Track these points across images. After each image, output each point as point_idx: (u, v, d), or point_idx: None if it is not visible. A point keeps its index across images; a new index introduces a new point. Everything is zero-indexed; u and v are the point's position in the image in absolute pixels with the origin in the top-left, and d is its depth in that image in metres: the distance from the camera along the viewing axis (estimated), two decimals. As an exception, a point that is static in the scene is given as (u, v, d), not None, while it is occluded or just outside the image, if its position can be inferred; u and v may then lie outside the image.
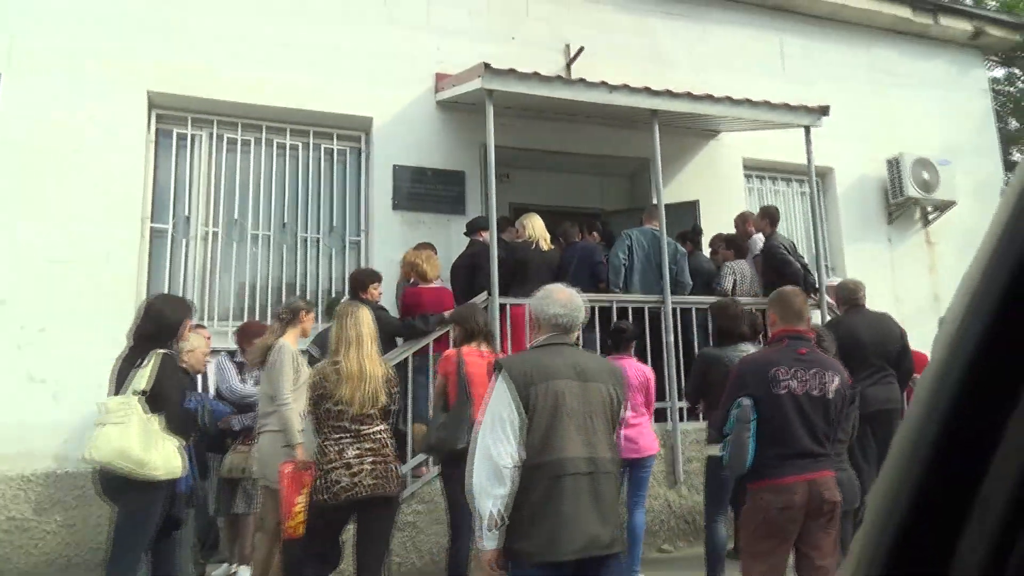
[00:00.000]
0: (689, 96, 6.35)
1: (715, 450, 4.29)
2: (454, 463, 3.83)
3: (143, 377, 3.51)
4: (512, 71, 6.02)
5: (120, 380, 3.60)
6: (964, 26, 9.44)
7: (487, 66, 5.84)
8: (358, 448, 3.52)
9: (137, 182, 6.25)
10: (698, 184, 7.96)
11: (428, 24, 7.31)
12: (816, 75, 8.59)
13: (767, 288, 6.60)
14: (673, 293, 5.98)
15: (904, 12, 9.13)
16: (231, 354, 5.61)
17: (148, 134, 6.38)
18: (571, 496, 2.47)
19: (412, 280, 5.61)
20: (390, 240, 6.85)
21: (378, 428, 3.59)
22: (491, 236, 5.64)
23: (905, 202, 8.56)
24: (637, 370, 4.81)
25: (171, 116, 6.56)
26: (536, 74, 6.15)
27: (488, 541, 2.51)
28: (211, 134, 6.72)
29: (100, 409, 3.54)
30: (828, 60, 8.83)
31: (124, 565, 3.42)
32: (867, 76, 8.97)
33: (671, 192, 7.92)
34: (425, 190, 7.00)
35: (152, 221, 6.37)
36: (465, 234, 6.42)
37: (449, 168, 7.14)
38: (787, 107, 6.75)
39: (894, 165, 8.48)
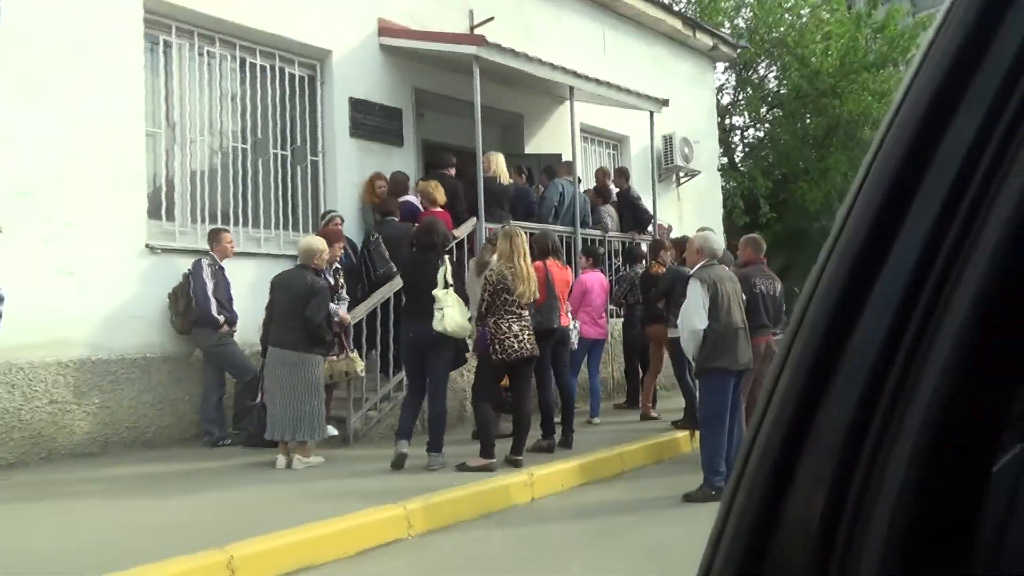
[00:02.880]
0: (596, 81, 8.50)
1: (674, 332, 6.77)
2: (548, 337, 5.72)
3: (447, 274, 4.83)
4: (487, 40, 7.52)
5: (417, 274, 4.95)
6: (707, 40, 12.92)
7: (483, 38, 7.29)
8: (519, 325, 5.22)
9: (137, 86, 6.47)
10: (553, 139, 10.18)
11: (372, -29, 8.26)
12: (625, 62, 11.24)
13: (624, 224, 9.21)
14: (581, 227, 8.23)
15: (677, 24, 12.26)
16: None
17: (142, 39, 6.56)
18: (738, 340, 4.70)
19: (423, 204, 6.99)
20: (347, 163, 7.91)
21: (528, 313, 5.32)
22: (478, 172, 7.23)
23: (671, 168, 11.80)
24: (602, 279, 7.03)
25: (159, 23, 6.75)
26: (478, 37, 7.71)
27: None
28: (192, 45, 7.04)
29: (437, 298, 4.89)
30: (632, 51, 11.56)
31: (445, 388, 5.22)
32: (652, 66, 11.90)
33: (537, 143, 10.08)
34: (373, 122, 8.13)
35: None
36: (430, 165, 7.83)
37: (391, 105, 8.33)
38: (640, 94, 9.28)
39: (668, 140, 11.62)
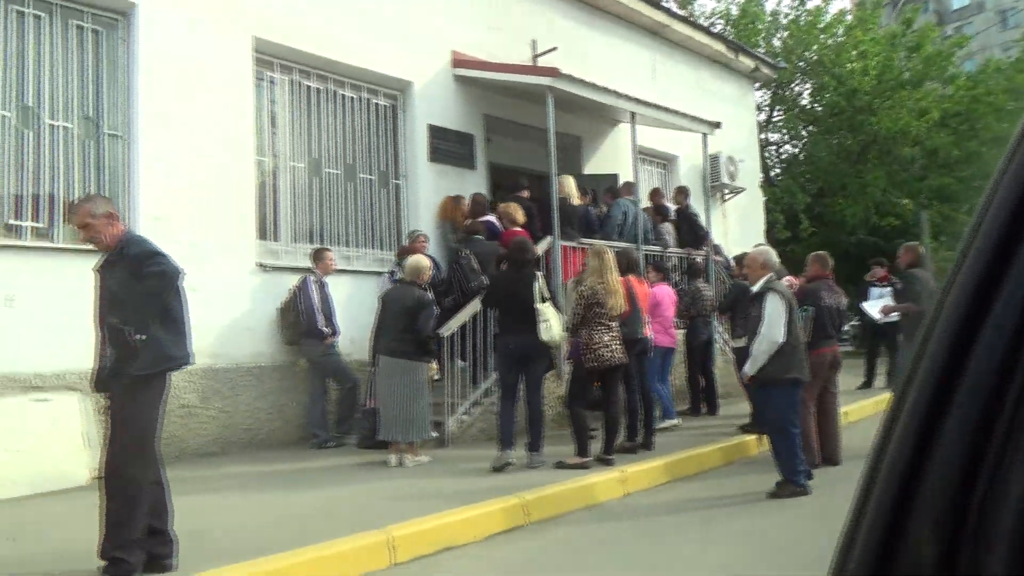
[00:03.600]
0: (656, 107, 9.05)
1: (740, 343, 7.27)
2: (633, 346, 6.24)
3: (543, 288, 5.36)
4: (556, 70, 8.10)
5: (514, 289, 5.52)
6: (749, 63, 13.46)
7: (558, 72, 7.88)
8: (610, 335, 5.76)
9: (249, 119, 7.12)
10: (608, 160, 10.75)
11: (444, 6, 8.87)
12: (668, 85, 11.78)
13: (681, 240, 9.73)
14: (645, 244, 8.76)
15: (721, 47, 12.81)
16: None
17: (252, 76, 7.21)
18: (803, 353, 5.21)
19: (504, 224, 7.57)
20: (426, 185, 8.52)
21: (617, 324, 5.85)
22: (553, 193, 7.80)
23: (717, 185, 12.32)
24: (670, 292, 7.56)
25: (266, 61, 7.40)
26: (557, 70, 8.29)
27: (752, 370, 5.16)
28: (292, 80, 7.69)
29: (541, 311, 5.42)
30: (679, 74, 12.12)
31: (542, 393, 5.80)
32: (697, 88, 12.45)
33: (594, 164, 10.65)
34: (449, 147, 8.74)
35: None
36: (499, 187, 8.42)
37: (464, 131, 8.94)
38: (695, 118, 9.82)
39: (716, 159, 12.13)
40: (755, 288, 5.51)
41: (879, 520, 0.56)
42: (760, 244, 8.93)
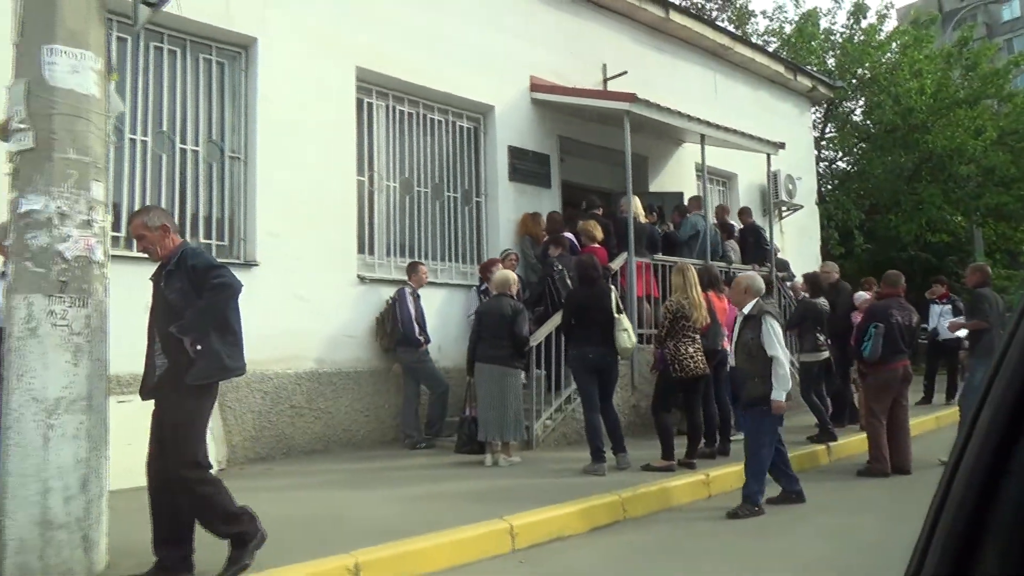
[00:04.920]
0: (725, 129, 9.44)
1: (809, 357, 7.61)
2: (712, 357, 6.63)
3: (617, 302, 5.84)
4: (636, 97, 8.54)
5: (593, 303, 5.91)
6: (807, 83, 13.76)
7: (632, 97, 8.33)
8: (694, 347, 6.17)
9: (351, 141, 7.68)
10: (672, 178, 11.16)
11: (523, 34, 9.39)
12: (730, 105, 12.14)
13: (746, 257, 10.07)
14: (713, 259, 9.13)
15: (780, 68, 13.15)
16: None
17: (354, 102, 7.78)
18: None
19: (583, 241, 8.02)
20: (506, 203, 9.01)
21: (699, 336, 6.26)
22: (628, 214, 8.23)
23: (777, 203, 12.62)
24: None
25: (365, 88, 7.98)
26: (637, 97, 8.73)
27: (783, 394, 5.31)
28: (387, 105, 8.26)
29: (620, 320, 5.80)
30: (738, 95, 12.48)
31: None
32: (757, 108, 12.78)
33: (658, 182, 11.06)
34: (527, 167, 9.24)
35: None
36: (583, 208, 8.89)
37: (541, 151, 9.43)
38: (761, 139, 10.18)
39: (775, 177, 12.45)
40: (745, 311, 5.50)
41: (949, 545, 0.57)
42: (828, 262, 9.26)
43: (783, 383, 5.21)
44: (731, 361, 7.11)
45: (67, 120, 3.51)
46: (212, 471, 3.73)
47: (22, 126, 3.45)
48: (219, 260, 3.79)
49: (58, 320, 3.40)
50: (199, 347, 3.44)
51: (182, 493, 3.51)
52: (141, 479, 3.61)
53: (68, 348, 3.43)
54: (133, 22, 4.31)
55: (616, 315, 6.12)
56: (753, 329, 5.35)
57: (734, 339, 5.66)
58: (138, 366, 3.67)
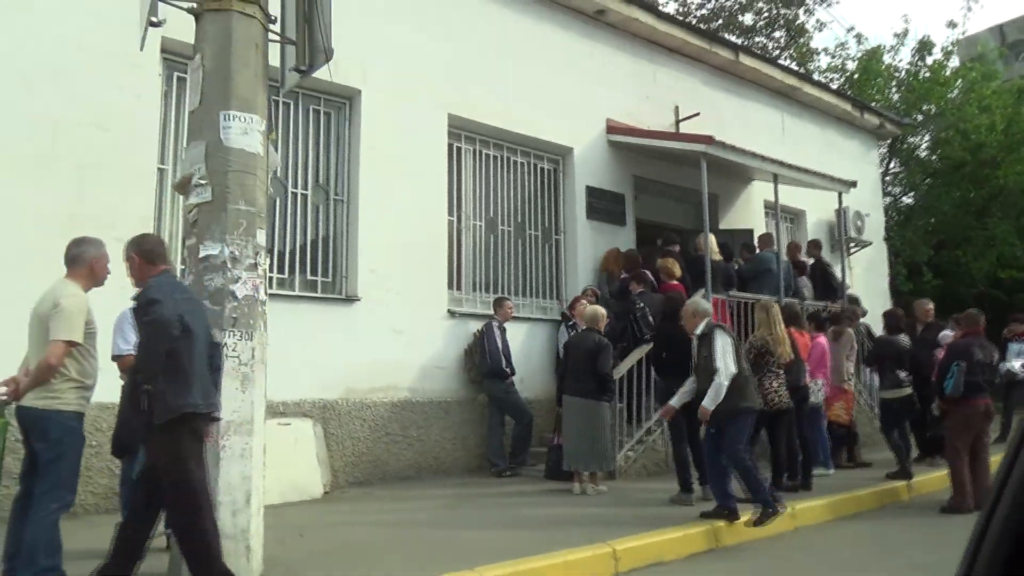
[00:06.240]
0: (797, 168, 9.69)
1: (887, 394, 7.73)
2: (795, 393, 6.83)
3: None
4: (715, 140, 8.87)
5: (678, 339, 6.13)
6: (874, 120, 13.90)
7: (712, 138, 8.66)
8: (778, 382, 6.40)
9: (443, 183, 8.17)
10: (741, 215, 11.40)
11: (600, 79, 9.82)
12: (797, 143, 12.35)
13: (816, 292, 10.22)
14: (786, 295, 9.31)
15: (847, 106, 13.34)
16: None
17: (446, 146, 8.28)
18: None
19: (662, 278, 8.32)
20: (584, 241, 9.38)
21: (783, 371, 6.48)
22: (706, 253, 8.51)
23: (842, 239, 12.72)
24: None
25: (455, 133, 8.48)
26: (722, 142, 9.05)
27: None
28: (474, 149, 8.75)
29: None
30: (805, 134, 12.69)
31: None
32: (824, 145, 12.96)
33: (728, 220, 11.30)
34: (603, 206, 9.61)
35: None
36: (660, 246, 9.21)
37: (616, 191, 9.80)
38: (834, 178, 10.39)
39: (843, 213, 12.56)
40: (697, 332, 5.82)
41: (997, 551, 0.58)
42: (923, 299, 9.28)
43: (715, 392, 5.50)
44: (816, 397, 7.34)
45: (239, 176, 4.00)
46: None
47: (202, 182, 3.95)
48: (175, 295, 3.55)
49: (230, 352, 3.86)
50: (147, 387, 3.38)
51: (181, 538, 3.54)
52: (273, 497, 3.93)
53: (237, 376, 3.88)
54: (280, 85, 4.84)
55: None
56: (707, 347, 5.67)
57: (693, 360, 5.92)
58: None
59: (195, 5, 4.18)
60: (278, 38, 4.59)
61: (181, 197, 4.13)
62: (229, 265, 3.92)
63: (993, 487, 0.64)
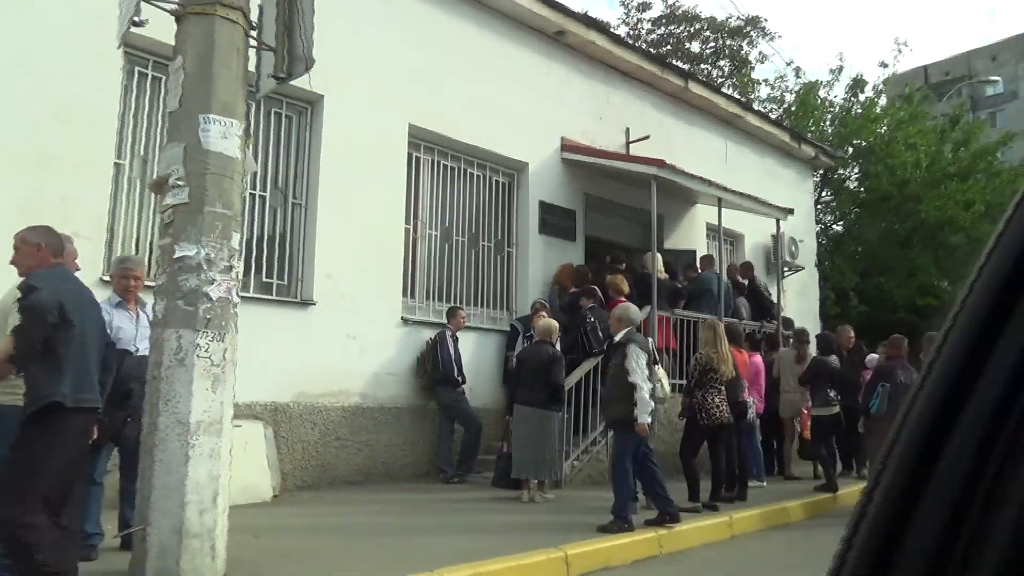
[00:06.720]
0: (740, 194, 10.14)
1: (818, 411, 8.17)
2: (733, 408, 7.17)
3: (653, 353, 6.37)
4: (667, 167, 9.23)
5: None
6: (809, 151, 14.62)
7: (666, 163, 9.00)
8: (720, 398, 6.72)
9: (401, 192, 8.27)
10: (684, 236, 11.83)
11: (556, 98, 10.09)
12: (739, 169, 12.87)
13: (754, 312, 10.68)
14: (726, 314, 9.72)
15: (786, 137, 14.00)
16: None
17: (405, 156, 8.39)
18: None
19: (610, 294, 8.59)
20: (535, 255, 9.60)
21: (724, 388, 6.81)
22: (652, 270, 8.83)
23: (778, 263, 13.31)
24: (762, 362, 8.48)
25: (415, 143, 8.59)
26: (673, 167, 9.42)
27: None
28: (432, 160, 8.88)
29: (655, 371, 6.27)
30: (747, 161, 13.25)
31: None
32: (763, 173, 13.55)
33: (672, 240, 11.71)
34: (555, 221, 9.86)
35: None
36: (608, 263, 9.49)
37: (567, 207, 10.07)
38: (773, 205, 10.90)
39: (779, 238, 13.14)
40: (616, 339, 6.13)
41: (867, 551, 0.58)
42: (846, 326, 9.82)
43: (643, 406, 5.75)
44: (750, 413, 7.70)
45: (216, 179, 4.05)
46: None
47: (180, 183, 3.99)
48: (64, 286, 3.53)
49: (202, 352, 3.90)
50: (20, 374, 3.38)
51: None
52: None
53: (208, 377, 3.92)
54: (256, 91, 4.89)
55: (653, 366, 6.67)
56: (619, 355, 5.99)
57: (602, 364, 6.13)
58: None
59: (178, 7, 4.22)
60: (258, 44, 4.65)
61: (152, 195, 4.14)
62: (204, 267, 3.96)
63: (868, 480, 0.63)
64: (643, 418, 5.76)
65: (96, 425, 3.76)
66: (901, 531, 0.57)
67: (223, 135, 4.10)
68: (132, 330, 4.56)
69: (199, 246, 3.96)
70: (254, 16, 4.62)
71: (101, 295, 4.87)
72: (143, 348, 4.47)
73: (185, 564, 3.76)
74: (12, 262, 3.67)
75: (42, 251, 3.60)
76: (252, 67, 4.79)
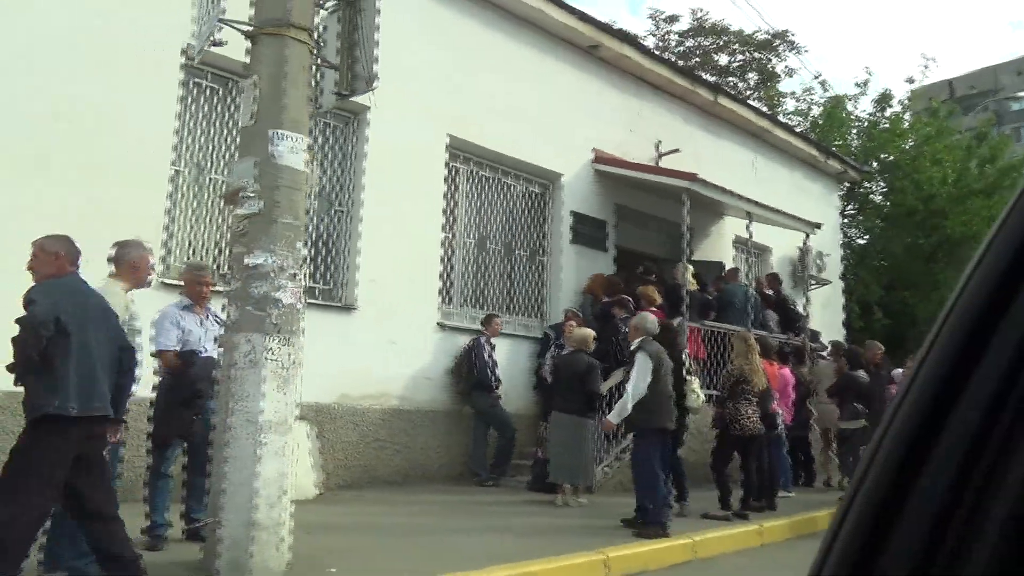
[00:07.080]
0: (770, 208, 10.28)
1: (847, 424, 8.29)
2: (764, 417, 7.31)
3: (688, 365, 6.55)
4: (696, 177, 9.39)
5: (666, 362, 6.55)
6: (837, 165, 14.72)
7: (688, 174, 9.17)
8: (751, 409, 6.87)
9: (439, 201, 8.50)
10: (712, 248, 11.97)
11: (589, 110, 10.28)
12: (767, 182, 13.01)
13: (781, 324, 10.80)
14: (754, 326, 9.86)
15: (814, 151, 14.11)
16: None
17: (444, 166, 8.62)
18: (670, 405, 6.16)
19: (642, 304, 8.76)
20: (568, 264, 9.80)
21: (757, 400, 6.96)
22: (683, 282, 8.99)
23: (805, 276, 13.41)
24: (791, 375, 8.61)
25: (455, 154, 8.83)
26: (703, 180, 9.58)
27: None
28: (470, 169, 9.10)
29: (690, 382, 6.46)
30: (775, 174, 13.38)
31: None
32: (791, 187, 13.67)
33: (700, 251, 11.86)
34: (587, 231, 10.05)
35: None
36: (640, 273, 9.67)
37: (599, 217, 10.26)
38: (802, 219, 11.03)
39: (805, 252, 13.25)
40: (632, 346, 6.50)
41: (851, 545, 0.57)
42: (874, 341, 9.91)
43: (619, 408, 6.25)
44: (779, 424, 7.84)
45: (286, 192, 4.29)
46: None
47: (252, 195, 4.22)
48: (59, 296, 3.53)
49: (272, 355, 4.12)
50: (20, 384, 3.43)
51: None
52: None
53: (277, 379, 4.14)
54: (318, 106, 5.13)
55: (687, 376, 6.84)
56: (632, 362, 6.30)
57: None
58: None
59: (253, 28, 4.46)
60: (322, 63, 4.89)
61: (212, 201, 4.38)
62: (274, 274, 4.19)
63: (854, 477, 0.63)
64: (613, 417, 6.38)
65: (113, 429, 3.79)
66: (885, 532, 0.56)
67: (292, 150, 4.34)
68: (199, 332, 4.80)
69: (270, 255, 4.19)
70: (317, 34, 4.85)
71: (159, 299, 5.14)
72: (209, 349, 4.72)
73: (255, 556, 3.97)
74: (28, 268, 3.68)
75: (60, 260, 3.64)
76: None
